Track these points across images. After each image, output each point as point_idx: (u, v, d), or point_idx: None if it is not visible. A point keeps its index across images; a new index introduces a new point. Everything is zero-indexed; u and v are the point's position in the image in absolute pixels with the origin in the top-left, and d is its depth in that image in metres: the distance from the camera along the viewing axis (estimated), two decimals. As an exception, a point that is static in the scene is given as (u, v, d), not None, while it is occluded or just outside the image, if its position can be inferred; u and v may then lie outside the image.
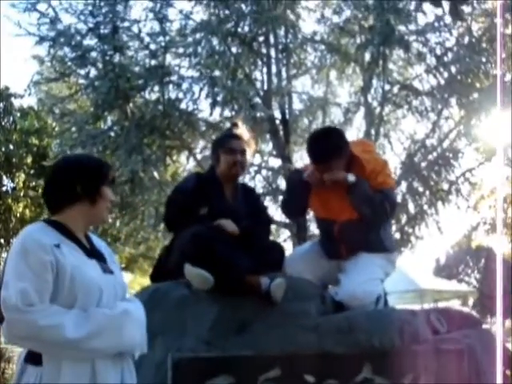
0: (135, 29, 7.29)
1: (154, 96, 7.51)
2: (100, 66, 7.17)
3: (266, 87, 8.55)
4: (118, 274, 2.11)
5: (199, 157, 8.41)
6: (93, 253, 2.06)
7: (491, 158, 10.30)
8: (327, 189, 3.32)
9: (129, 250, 9.66)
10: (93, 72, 7.43)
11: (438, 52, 8.00)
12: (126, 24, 7.30)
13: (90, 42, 7.26)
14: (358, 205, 3.27)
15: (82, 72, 7.43)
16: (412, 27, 7.98)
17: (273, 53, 8.70)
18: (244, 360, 2.70)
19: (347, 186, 3.21)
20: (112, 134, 7.58)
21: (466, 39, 7.67)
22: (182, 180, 3.89)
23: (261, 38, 8.66)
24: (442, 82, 7.92)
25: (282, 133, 8.48)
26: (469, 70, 7.59)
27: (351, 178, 3.21)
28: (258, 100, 8.06)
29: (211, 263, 2.77)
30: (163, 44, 7.08)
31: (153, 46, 7.24)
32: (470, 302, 26.23)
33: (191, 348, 2.67)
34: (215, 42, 7.98)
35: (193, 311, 2.71)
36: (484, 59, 7.45)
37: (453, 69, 7.78)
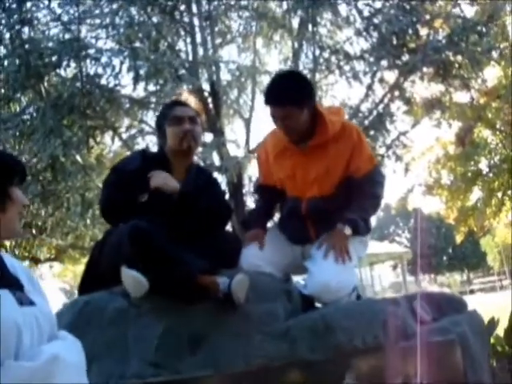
0: (45, 0, 6.59)
1: (70, 73, 6.86)
2: (8, 42, 6.46)
3: (191, 58, 8.10)
4: (41, 303, 1.61)
5: (125, 136, 7.89)
6: (3, 280, 1.56)
7: (421, 120, 10.34)
8: (292, 160, 2.89)
9: (56, 242, 9.04)
10: (1, 50, 6.74)
11: (367, 13, 7.77)
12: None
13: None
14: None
15: (-12, 50, 6.70)
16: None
17: (196, 21, 8.25)
18: (202, 382, 2.18)
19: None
20: (27, 116, 6.90)
21: (396, -1, 7.44)
22: (124, 159, 3.15)
23: (182, 7, 8.19)
24: (373, 44, 7.71)
25: (211, 105, 8.07)
26: (400, 30, 7.39)
27: (347, 231, 2.77)
28: (183, 72, 7.59)
29: (154, 263, 2.26)
30: (77, 15, 6.42)
31: (66, 18, 6.57)
32: (404, 262, 26.97)
33: (136, 373, 2.14)
34: (134, 11, 7.44)
35: (134, 327, 2.17)
36: (415, 19, 7.25)
37: (383, 30, 7.56)
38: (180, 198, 2.57)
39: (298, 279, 3.06)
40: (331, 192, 2.84)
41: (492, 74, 11.15)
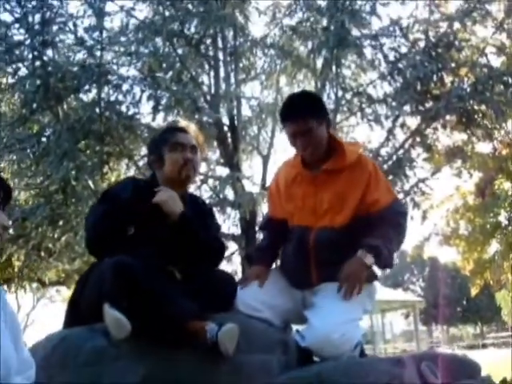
0: (71, 24, 6.62)
1: (90, 98, 6.85)
2: (29, 62, 6.48)
3: (213, 91, 8.11)
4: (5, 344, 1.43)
5: (141, 164, 7.84)
6: None
7: (441, 168, 10.18)
8: (303, 186, 2.69)
9: (63, 266, 8.91)
10: (23, 70, 6.75)
11: (392, 58, 7.71)
12: (61, 19, 6.61)
13: (18, 36, 6.57)
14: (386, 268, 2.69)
15: (10, 69, 6.71)
16: (366, 31, 7.68)
17: (221, 56, 8.30)
18: None
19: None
20: (43, 138, 6.87)
21: (422, 44, 7.37)
22: (115, 185, 2.97)
23: (208, 40, 8.24)
24: (397, 88, 7.64)
25: (230, 140, 8.03)
26: (424, 76, 7.32)
27: (368, 260, 2.49)
28: (204, 104, 7.57)
29: (140, 303, 2.06)
30: (101, 40, 6.43)
31: (89, 43, 6.59)
32: (417, 311, 26.46)
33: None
34: (159, 42, 7.48)
35: (112, 370, 1.94)
36: (440, 65, 7.17)
37: (408, 75, 7.49)
38: (180, 225, 2.37)
39: (296, 328, 2.81)
40: (343, 224, 2.59)
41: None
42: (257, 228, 8.80)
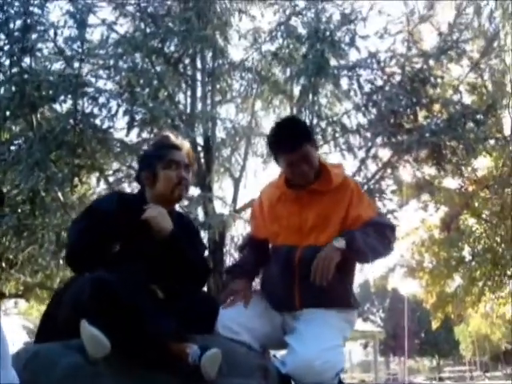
0: (51, 33, 6.54)
1: (65, 108, 6.75)
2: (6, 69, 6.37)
3: (189, 111, 8.10)
4: None
5: (111, 179, 7.74)
6: None
7: (409, 201, 10.35)
8: (288, 206, 2.66)
9: (24, 278, 8.66)
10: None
11: (368, 89, 7.84)
12: (42, 27, 6.53)
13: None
14: (361, 260, 2.63)
15: (-14, 75, 6.59)
16: (343, 62, 7.80)
17: (199, 76, 8.31)
18: None
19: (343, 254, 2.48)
20: (14, 146, 6.74)
21: (398, 78, 7.51)
22: (99, 199, 2.89)
23: (187, 60, 8.26)
24: (371, 119, 7.75)
25: (203, 160, 8.01)
26: (398, 109, 7.45)
27: (340, 243, 2.45)
28: (180, 123, 7.55)
29: (119, 322, 1.96)
30: (80, 51, 6.36)
31: (69, 53, 6.51)
32: (377, 341, 26.58)
33: None
34: (138, 58, 7.46)
35: None
36: (415, 100, 7.32)
37: (382, 107, 7.61)
38: (168, 243, 2.30)
39: (274, 354, 2.75)
40: (328, 242, 2.53)
41: (482, 163, 11.29)
42: (224, 250, 8.78)
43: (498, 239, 12.08)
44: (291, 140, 2.59)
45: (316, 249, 2.54)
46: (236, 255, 9.62)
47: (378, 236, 2.55)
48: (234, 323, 2.46)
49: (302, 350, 2.36)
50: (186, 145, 2.62)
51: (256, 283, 2.81)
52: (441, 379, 36.92)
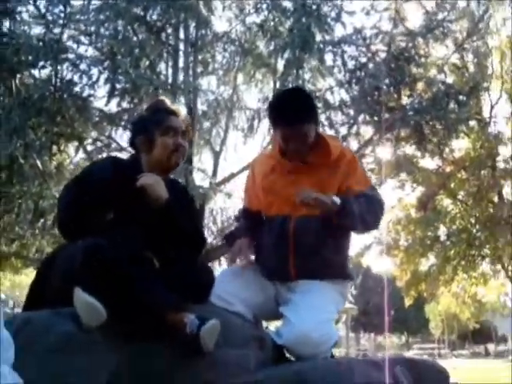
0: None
1: (45, 73, 6.59)
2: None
3: (170, 81, 7.97)
4: None
5: (90, 148, 7.62)
6: None
7: (387, 180, 10.40)
8: (283, 177, 2.59)
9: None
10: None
11: (352, 66, 7.80)
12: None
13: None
14: (348, 227, 2.55)
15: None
16: (328, 37, 7.73)
17: (181, 46, 8.16)
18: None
19: (333, 211, 2.44)
20: (-8, 112, 6.56)
21: (383, 55, 7.48)
22: (92, 164, 2.71)
23: (170, 29, 8.10)
24: (354, 96, 7.73)
25: (183, 132, 7.91)
26: (382, 87, 7.44)
27: (336, 199, 2.41)
28: (161, 93, 7.43)
29: (114, 289, 1.91)
30: (62, 16, 6.19)
31: (50, 18, 6.33)
32: (349, 317, 26.93)
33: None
34: (120, 25, 7.29)
35: (82, 358, 1.78)
36: (399, 78, 7.31)
37: (366, 84, 7.58)
38: (164, 211, 2.23)
39: (266, 325, 2.71)
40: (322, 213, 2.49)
41: (459, 144, 11.38)
42: (204, 223, 8.74)
43: (473, 220, 12.25)
44: (292, 115, 2.50)
45: (310, 219, 2.51)
46: (214, 229, 9.62)
47: (368, 208, 2.53)
48: (228, 294, 2.44)
49: (299, 321, 2.34)
50: (182, 111, 2.53)
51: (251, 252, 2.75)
52: (409, 356, 37.66)
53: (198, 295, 2.20)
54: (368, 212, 2.52)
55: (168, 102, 2.51)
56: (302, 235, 2.51)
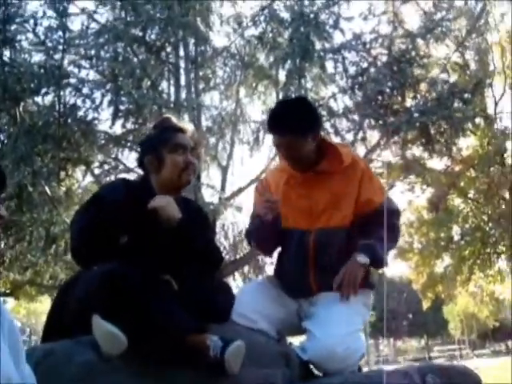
0: (31, 24, 6.37)
1: (48, 101, 6.61)
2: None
3: (173, 99, 7.98)
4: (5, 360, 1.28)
5: (97, 172, 7.62)
6: None
7: (395, 183, 10.34)
8: (298, 189, 2.54)
9: (13, 276, 8.51)
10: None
11: (353, 72, 7.78)
12: (21, 19, 6.36)
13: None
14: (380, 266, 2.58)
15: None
16: (328, 45, 7.71)
17: (182, 64, 8.18)
18: None
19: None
20: (-2, 141, 6.60)
21: (384, 59, 7.46)
22: (105, 186, 2.63)
23: (169, 48, 8.13)
24: (358, 102, 7.71)
25: (189, 150, 7.90)
26: (386, 91, 7.41)
27: (363, 259, 2.41)
28: (165, 112, 7.43)
29: (133, 315, 1.85)
30: (62, 41, 6.21)
31: (50, 44, 6.35)
32: (367, 324, 26.80)
33: None
34: (120, 47, 7.31)
35: None
36: (402, 81, 7.27)
37: (369, 89, 7.55)
38: (177, 232, 2.17)
39: (289, 341, 2.65)
40: (342, 224, 2.49)
41: (466, 143, 11.30)
42: (216, 239, 8.70)
43: (486, 218, 12.13)
44: (278, 124, 2.49)
45: (329, 231, 2.47)
46: (226, 244, 9.58)
47: (389, 233, 2.51)
48: (250, 311, 2.37)
49: (323, 335, 2.28)
50: (190, 127, 2.48)
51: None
52: (430, 359, 37.31)
53: (219, 315, 2.13)
54: (391, 239, 2.47)
55: (174, 119, 2.47)
56: (323, 249, 2.46)
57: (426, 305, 15.68)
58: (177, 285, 2.08)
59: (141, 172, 2.49)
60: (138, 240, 2.09)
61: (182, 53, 8.19)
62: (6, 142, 6.37)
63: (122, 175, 7.52)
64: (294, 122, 2.47)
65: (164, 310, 1.92)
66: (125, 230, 2.10)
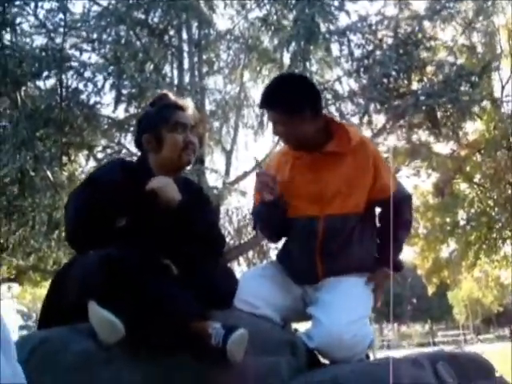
0: (32, 6, 6.26)
1: (49, 84, 6.52)
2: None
3: (176, 83, 7.89)
4: None
5: (100, 156, 7.55)
6: None
7: (401, 167, 10.25)
8: (305, 172, 2.41)
9: (17, 262, 8.48)
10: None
11: (359, 55, 7.66)
12: (21, 1, 6.26)
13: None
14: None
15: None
16: (333, 27, 7.59)
17: (185, 47, 8.08)
18: None
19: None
20: (-1, 125, 6.53)
21: (390, 41, 7.33)
22: (100, 168, 2.51)
23: (172, 31, 8.02)
24: (363, 85, 7.60)
25: (193, 133, 7.83)
26: (392, 73, 7.29)
27: (386, 271, 2.45)
28: (169, 95, 7.34)
29: (133, 303, 1.78)
30: (63, 23, 6.11)
31: (51, 27, 6.26)
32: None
33: None
34: (122, 30, 7.21)
35: (102, 376, 1.67)
36: (408, 63, 7.14)
37: (375, 72, 7.44)
38: (177, 214, 2.07)
39: (295, 328, 2.58)
40: (356, 211, 2.38)
41: (472, 127, 11.19)
42: (220, 224, 8.65)
43: (492, 203, 12.05)
44: (270, 97, 2.39)
45: (341, 218, 2.37)
46: (230, 229, 9.54)
47: (406, 230, 2.55)
48: (254, 297, 2.28)
49: (330, 322, 2.19)
50: (190, 104, 2.37)
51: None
52: (434, 344, 37.42)
53: (221, 301, 2.06)
54: (405, 233, 2.56)
55: (172, 95, 2.37)
56: (332, 236, 2.37)
57: (430, 290, 15.65)
58: (177, 269, 2.01)
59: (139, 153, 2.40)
60: (136, 222, 2.01)
61: (185, 36, 8.08)
62: (7, 126, 6.30)
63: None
64: (287, 95, 2.36)
65: (163, 295, 1.85)
66: (122, 213, 2.02)
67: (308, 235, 2.40)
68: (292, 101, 2.35)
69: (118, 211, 2.01)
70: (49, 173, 6.40)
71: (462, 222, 12.52)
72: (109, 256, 1.81)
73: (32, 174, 6.28)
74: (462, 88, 7.34)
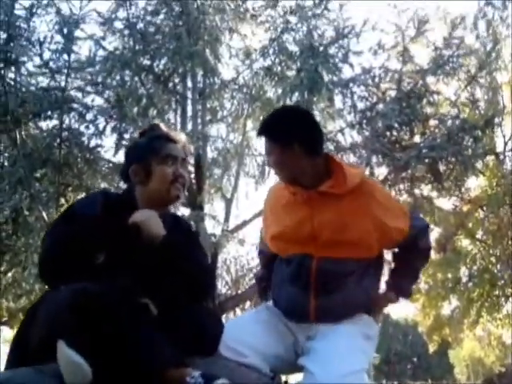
0: (37, 47, 6.31)
1: (51, 124, 6.52)
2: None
3: (179, 129, 7.91)
4: None
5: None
6: None
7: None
8: (300, 209, 2.29)
9: (7, 304, 8.29)
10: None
11: (362, 106, 7.69)
12: (26, 42, 6.31)
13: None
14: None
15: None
16: (336, 79, 7.64)
17: (189, 94, 8.14)
18: None
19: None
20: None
21: (393, 94, 7.36)
22: (80, 200, 2.34)
23: (177, 78, 8.11)
24: (366, 137, 7.59)
25: (194, 180, 7.81)
26: (395, 126, 7.30)
27: (392, 296, 2.39)
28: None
29: (105, 345, 1.65)
30: (67, 64, 6.14)
31: (54, 67, 6.28)
32: (371, 367, 26.22)
33: None
34: (127, 75, 7.27)
35: None
36: (412, 116, 7.15)
37: (378, 124, 7.44)
38: (160, 251, 1.94)
39: (285, 380, 2.41)
40: (353, 256, 2.26)
41: (474, 183, 11.15)
42: (216, 273, 8.50)
43: (494, 260, 11.90)
44: (264, 125, 2.30)
45: (337, 262, 2.24)
46: (228, 279, 9.38)
47: (424, 259, 2.45)
48: (240, 344, 2.12)
49: (322, 374, 2.01)
50: (182, 137, 2.27)
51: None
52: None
53: (203, 347, 1.90)
54: (424, 264, 2.48)
55: (164, 126, 2.29)
56: (327, 277, 2.22)
57: (432, 348, 15.29)
58: (157, 310, 1.86)
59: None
60: (115, 258, 1.88)
61: (189, 83, 8.16)
62: (5, 163, 6.25)
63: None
64: (278, 126, 2.25)
65: (139, 338, 1.69)
66: (101, 247, 1.89)
67: (301, 271, 2.26)
68: (280, 132, 2.25)
69: (96, 246, 1.88)
70: (44, 213, 6.31)
71: (464, 279, 12.34)
72: (82, 291, 1.68)
73: (26, 213, 6.19)
74: (465, 142, 7.33)
